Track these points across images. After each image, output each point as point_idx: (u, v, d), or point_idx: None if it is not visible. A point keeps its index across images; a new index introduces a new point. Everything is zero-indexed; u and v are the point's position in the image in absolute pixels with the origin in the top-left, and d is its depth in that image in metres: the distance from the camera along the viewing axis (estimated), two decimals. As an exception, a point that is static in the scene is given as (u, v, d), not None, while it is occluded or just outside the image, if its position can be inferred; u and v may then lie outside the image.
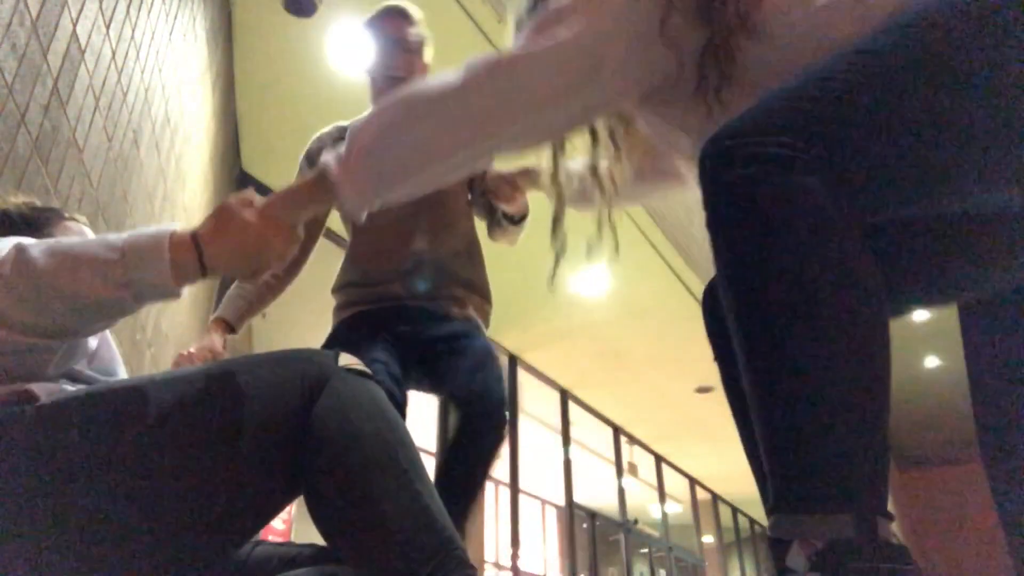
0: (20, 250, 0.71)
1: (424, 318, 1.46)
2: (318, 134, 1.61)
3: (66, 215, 1.01)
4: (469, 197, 1.62)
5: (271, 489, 0.76)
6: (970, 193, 0.63)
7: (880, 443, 0.56)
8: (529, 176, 1.44)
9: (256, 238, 0.76)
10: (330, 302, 1.62)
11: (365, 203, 0.80)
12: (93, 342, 0.89)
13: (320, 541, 0.82)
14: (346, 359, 0.82)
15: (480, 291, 1.56)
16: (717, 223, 0.61)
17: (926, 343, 10.88)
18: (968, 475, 13.32)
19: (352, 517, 0.73)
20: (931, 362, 11.47)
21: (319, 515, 0.75)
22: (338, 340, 1.48)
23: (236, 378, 0.74)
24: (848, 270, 0.58)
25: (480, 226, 1.66)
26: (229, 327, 1.47)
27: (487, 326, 1.57)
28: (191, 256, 0.73)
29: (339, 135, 1.58)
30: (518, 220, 1.56)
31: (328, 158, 0.80)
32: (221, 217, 0.76)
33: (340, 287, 1.58)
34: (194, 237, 0.74)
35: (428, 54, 1.55)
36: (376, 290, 1.51)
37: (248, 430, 0.72)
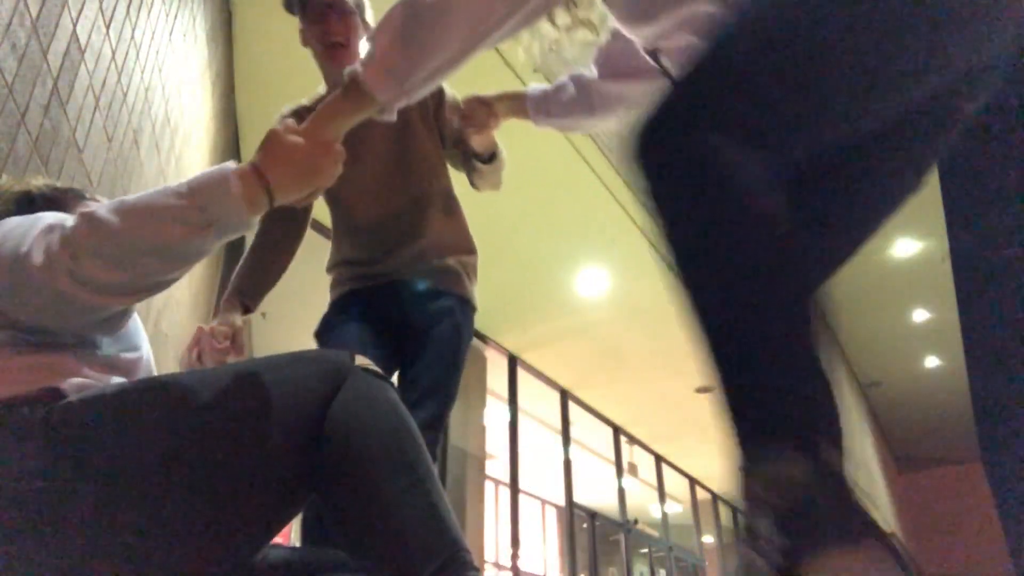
0: (88, 216, 0.71)
1: (409, 296, 1.44)
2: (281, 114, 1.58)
3: (87, 195, 1.01)
4: (441, 152, 1.58)
5: (290, 489, 0.76)
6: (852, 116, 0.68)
7: (806, 371, 0.57)
8: (509, 101, 1.40)
9: (308, 159, 0.80)
10: (326, 301, 1.62)
11: (400, 94, 0.83)
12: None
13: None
14: (361, 360, 0.83)
15: (463, 247, 1.54)
16: (656, 201, 0.66)
17: (926, 343, 10.88)
18: (968, 475, 13.32)
19: (363, 514, 0.74)
20: (931, 362, 11.47)
21: (330, 511, 0.76)
22: (329, 326, 1.48)
23: (261, 378, 0.75)
24: (746, 210, 0.61)
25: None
26: (244, 306, 1.43)
27: (474, 276, 1.54)
28: (258, 185, 0.76)
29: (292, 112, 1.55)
30: (488, 159, 1.51)
31: (353, 65, 0.83)
32: (272, 145, 0.79)
33: (331, 266, 1.59)
34: (254, 167, 0.77)
35: (369, 15, 1.50)
36: (363, 269, 1.50)
37: (272, 430, 0.73)
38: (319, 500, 0.77)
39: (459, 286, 1.48)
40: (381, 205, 1.50)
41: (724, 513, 9.99)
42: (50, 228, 0.73)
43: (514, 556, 5.26)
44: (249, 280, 1.46)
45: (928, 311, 9.95)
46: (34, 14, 1.12)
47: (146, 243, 0.72)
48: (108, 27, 1.47)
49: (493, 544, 6.95)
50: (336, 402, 0.77)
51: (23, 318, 0.75)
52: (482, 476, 5.24)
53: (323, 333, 1.47)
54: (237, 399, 0.74)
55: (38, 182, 0.97)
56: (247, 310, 1.43)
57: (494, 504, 7.01)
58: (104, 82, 1.48)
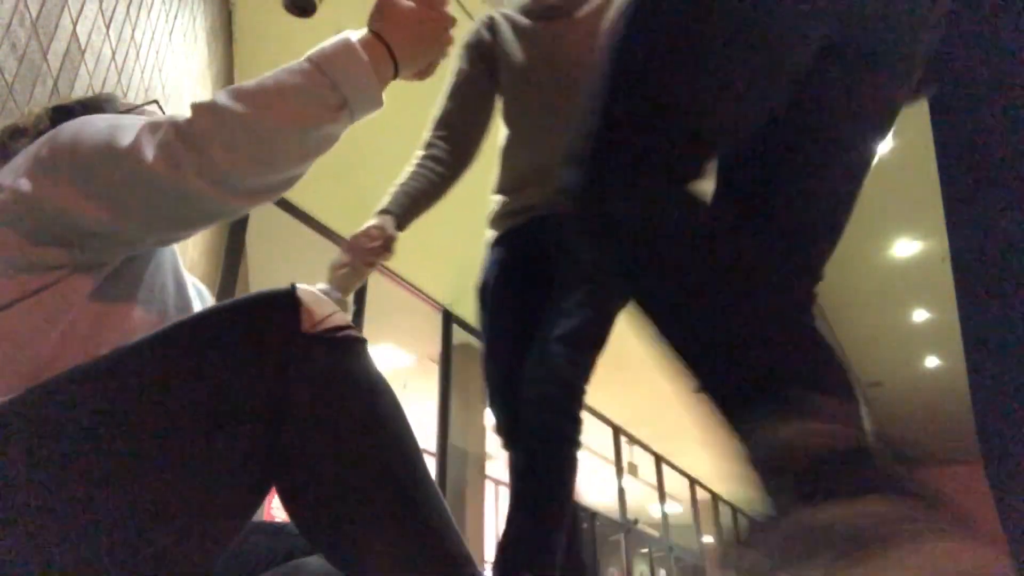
0: (208, 106, 0.64)
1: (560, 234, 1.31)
2: (474, 26, 1.49)
3: (120, 97, 0.96)
4: None
5: (244, 484, 0.61)
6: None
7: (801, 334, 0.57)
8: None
9: (423, 21, 0.75)
10: None
11: None
12: None
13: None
14: (327, 314, 0.63)
15: None
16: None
17: (926, 343, 10.88)
18: (968, 475, 13.33)
19: (341, 540, 0.61)
20: (931, 362, 11.48)
21: (301, 527, 0.64)
22: (492, 305, 1.37)
23: (198, 349, 0.60)
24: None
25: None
26: (396, 222, 1.34)
27: None
28: (383, 52, 0.71)
29: (492, 24, 1.45)
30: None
31: None
32: (387, 9, 0.74)
33: (496, 191, 1.46)
34: (375, 35, 0.72)
35: None
36: (522, 197, 1.37)
37: (212, 409, 0.58)
38: (288, 513, 0.64)
39: None
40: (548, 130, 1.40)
41: (724, 513, 9.99)
42: (155, 125, 0.64)
43: (514, 556, 5.25)
44: (397, 201, 1.36)
45: (928, 311, 9.95)
46: (34, 14, 1.12)
47: (282, 129, 0.64)
48: (108, 27, 1.47)
49: (493, 544, 6.95)
50: (292, 390, 0.60)
51: (120, 227, 0.64)
52: (482, 476, 5.24)
53: None
54: (165, 373, 0.59)
55: (75, 96, 0.92)
56: (398, 228, 1.35)
57: (494, 504, 7.01)
58: (104, 82, 1.48)
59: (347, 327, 0.64)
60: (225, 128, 0.63)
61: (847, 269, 9.35)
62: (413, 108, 3.34)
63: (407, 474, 0.62)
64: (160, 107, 0.96)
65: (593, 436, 7.06)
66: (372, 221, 1.31)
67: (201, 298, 0.96)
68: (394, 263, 4.36)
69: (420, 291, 4.71)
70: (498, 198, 1.43)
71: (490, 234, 1.44)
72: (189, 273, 0.98)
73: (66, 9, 1.24)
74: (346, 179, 3.66)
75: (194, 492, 0.57)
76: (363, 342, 0.66)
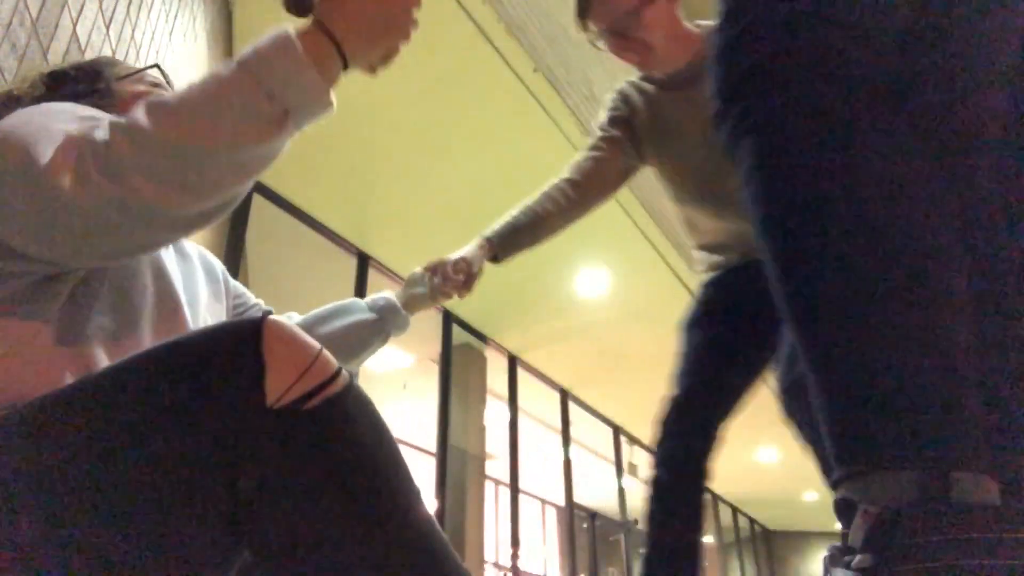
0: (125, 128, 0.56)
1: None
2: (607, 98, 1.55)
3: (118, 61, 0.91)
4: None
5: (208, 541, 0.56)
6: None
7: (953, 381, 0.46)
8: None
9: (382, 6, 0.63)
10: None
11: None
12: None
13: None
14: (300, 373, 0.55)
15: None
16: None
17: (926, 343, 10.87)
18: (968, 475, 13.33)
19: None
20: (931, 362, 11.46)
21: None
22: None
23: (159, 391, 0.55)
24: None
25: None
26: (494, 253, 1.34)
27: None
28: (328, 45, 0.61)
29: (623, 93, 1.51)
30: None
31: None
32: None
33: (697, 248, 1.55)
34: (318, 23, 0.62)
35: None
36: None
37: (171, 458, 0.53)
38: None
39: None
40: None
41: (724, 513, 9.99)
42: (74, 141, 0.57)
43: (514, 556, 5.26)
44: (515, 230, 1.36)
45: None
46: (34, 14, 1.12)
47: (213, 152, 0.56)
48: (108, 27, 1.47)
49: (493, 544, 6.95)
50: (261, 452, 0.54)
51: (46, 255, 0.59)
52: (482, 476, 5.24)
53: None
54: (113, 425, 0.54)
55: (68, 62, 0.88)
56: (495, 259, 1.35)
57: (494, 504, 7.02)
58: (104, 82, 1.48)
59: (323, 386, 0.55)
60: (145, 154, 0.55)
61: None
62: (415, 106, 3.34)
63: (391, 542, 0.55)
64: (161, 71, 0.93)
65: (593, 436, 7.06)
66: (469, 247, 1.30)
67: (211, 277, 0.93)
68: (394, 263, 4.36)
69: (420, 291, 4.71)
70: (702, 255, 1.53)
71: (703, 278, 1.53)
72: (197, 246, 0.96)
73: (66, 9, 1.24)
74: (347, 178, 3.66)
75: (153, 555, 0.53)
76: (343, 396, 0.57)
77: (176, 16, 2.03)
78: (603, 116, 1.53)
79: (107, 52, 1.48)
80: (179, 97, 0.57)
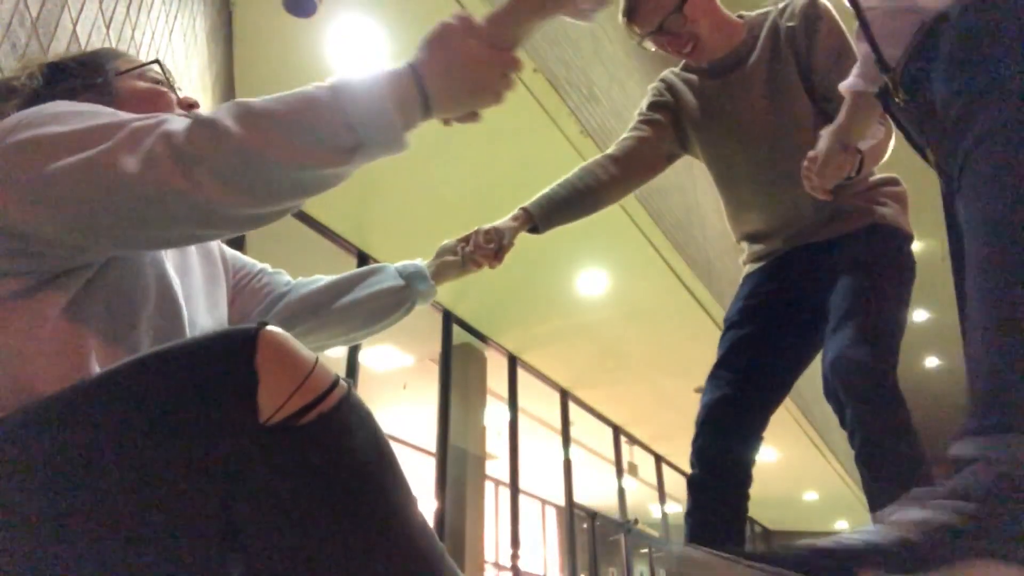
0: (209, 122, 0.57)
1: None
2: (649, 87, 1.58)
3: (119, 53, 0.90)
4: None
5: (201, 559, 0.55)
6: None
7: None
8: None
9: (479, 64, 0.63)
10: None
11: None
12: None
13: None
14: (295, 387, 0.54)
15: None
16: None
17: (926, 343, 10.87)
18: (968, 475, 13.30)
19: None
20: (931, 362, 11.46)
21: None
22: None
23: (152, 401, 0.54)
24: None
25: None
26: (533, 224, 1.34)
27: None
28: (415, 93, 0.61)
29: (666, 81, 1.54)
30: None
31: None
32: (444, 43, 0.63)
33: (740, 240, 1.56)
34: (413, 69, 0.62)
35: None
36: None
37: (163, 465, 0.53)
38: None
39: None
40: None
41: (724, 513, 9.98)
42: (141, 131, 0.58)
43: (514, 556, 5.26)
44: (553, 202, 1.37)
45: (928, 311, 9.95)
46: (34, 14, 1.12)
47: (284, 165, 0.57)
48: (108, 27, 1.47)
49: (493, 544, 6.95)
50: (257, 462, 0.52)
51: (87, 243, 0.60)
52: (482, 476, 5.24)
53: None
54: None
55: (69, 53, 0.87)
56: (534, 229, 1.35)
57: (494, 504, 7.01)
58: (104, 82, 1.48)
59: (318, 400, 0.54)
60: (220, 153, 0.56)
61: (847, 269, 9.34)
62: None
63: (389, 558, 0.54)
64: (162, 66, 0.92)
65: (593, 436, 7.05)
66: (503, 219, 1.28)
67: (208, 260, 0.91)
68: (394, 263, 4.35)
69: (420, 291, 4.71)
70: (745, 245, 1.53)
71: (746, 269, 1.53)
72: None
73: (66, 9, 1.24)
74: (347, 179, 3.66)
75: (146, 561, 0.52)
76: (339, 410, 0.55)
77: (176, 16, 2.03)
78: (645, 102, 1.55)
79: (107, 52, 1.48)
80: (268, 104, 0.59)
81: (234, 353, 0.54)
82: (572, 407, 6.42)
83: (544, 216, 1.35)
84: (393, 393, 6.15)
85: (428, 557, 0.56)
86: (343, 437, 0.55)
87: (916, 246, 1.41)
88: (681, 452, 9.45)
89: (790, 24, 1.38)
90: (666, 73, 1.56)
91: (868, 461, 1.21)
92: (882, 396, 1.20)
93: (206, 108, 2.74)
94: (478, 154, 3.48)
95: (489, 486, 6.02)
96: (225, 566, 0.56)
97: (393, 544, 0.54)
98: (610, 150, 1.48)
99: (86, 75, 0.83)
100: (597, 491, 7.40)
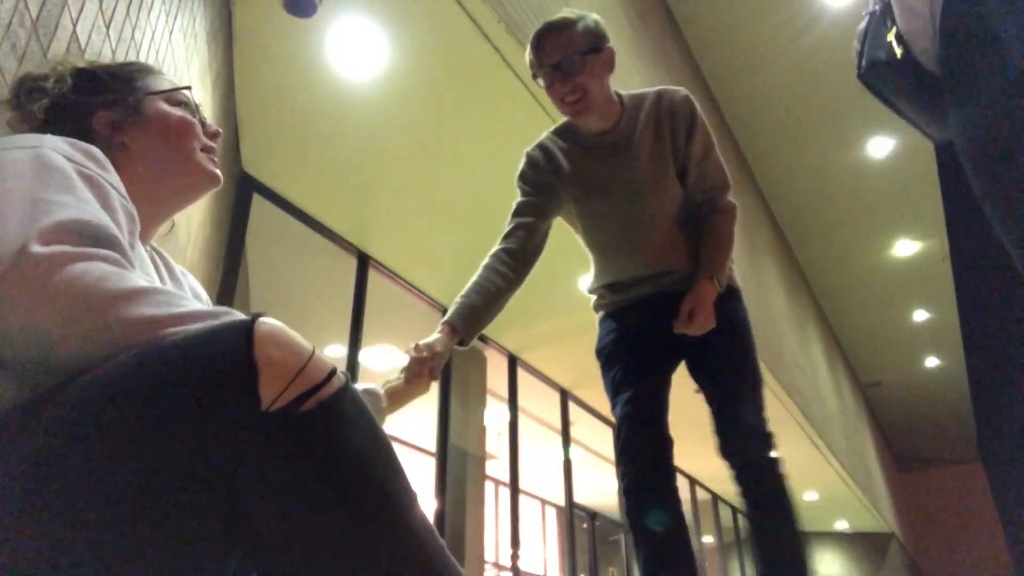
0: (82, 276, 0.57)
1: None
2: (528, 152, 1.71)
3: (154, 69, 0.91)
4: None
5: (203, 544, 0.56)
6: None
7: None
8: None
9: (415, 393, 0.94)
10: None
11: None
12: None
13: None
14: (293, 375, 0.56)
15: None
16: None
17: (926, 343, 10.87)
18: (968, 475, 13.32)
19: None
20: (931, 362, 11.46)
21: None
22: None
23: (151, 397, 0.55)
24: None
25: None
26: (458, 338, 1.40)
27: None
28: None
29: (546, 150, 1.68)
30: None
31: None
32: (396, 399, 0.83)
33: (598, 287, 1.79)
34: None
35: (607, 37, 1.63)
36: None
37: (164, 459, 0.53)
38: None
39: None
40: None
41: (724, 513, 9.99)
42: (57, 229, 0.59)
43: (514, 556, 5.26)
44: (474, 313, 1.45)
45: (928, 311, 9.95)
46: (34, 14, 1.12)
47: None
48: (108, 27, 1.47)
49: (493, 544, 6.95)
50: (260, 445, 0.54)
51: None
52: (482, 476, 5.24)
53: None
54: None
55: (101, 61, 0.87)
56: (461, 343, 1.42)
57: (494, 504, 7.01)
58: (104, 82, 1.48)
59: (317, 388, 0.56)
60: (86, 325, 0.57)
61: (847, 269, 9.34)
62: (415, 106, 3.34)
63: (389, 547, 0.55)
64: (188, 93, 0.94)
65: (593, 436, 7.06)
66: (435, 335, 1.35)
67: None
68: (394, 263, 4.36)
69: (420, 291, 4.71)
70: (607, 293, 1.77)
71: (601, 314, 1.81)
72: (187, 272, 0.97)
73: (66, 9, 1.24)
74: (347, 178, 3.66)
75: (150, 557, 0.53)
76: (339, 396, 0.58)
77: (176, 16, 2.03)
78: (527, 173, 1.67)
79: (107, 52, 1.48)
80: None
81: (234, 344, 0.55)
82: (572, 407, 6.42)
83: (467, 329, 1.42)
84: (393, 393, 6.14)
85: (428, 544, 0.57)
86: (342, 424, 0.57)
87: (916, 246, 1.43)
88: (681, 452, 9.45)
89: (670, 114, 1.57)
90: (544, 139, 1.70)
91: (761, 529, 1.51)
92: (779, 468, 1.51)
93: (207, 108, 2.74)
94: (478, 154, 3.48)
95: (489, 486, 6.02)
96: (226, 556, 0.57)
97: (392, 526, 0.56)
98: (505, 244, 1.58)
99: (117, 90, 0.84)
100: (597, 491, 7.41)
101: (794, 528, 1.47)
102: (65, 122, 0.80)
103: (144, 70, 0.89)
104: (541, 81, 1.53)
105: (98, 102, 0.82)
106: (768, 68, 6.22)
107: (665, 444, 1.61)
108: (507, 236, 1.60)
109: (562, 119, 1.68)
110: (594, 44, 1.49)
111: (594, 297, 1.75)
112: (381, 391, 1.17)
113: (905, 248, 8.49)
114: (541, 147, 1.69)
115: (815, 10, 5.59)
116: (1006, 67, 0.69)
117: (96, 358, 0.57)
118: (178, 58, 2.10)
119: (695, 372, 1.65)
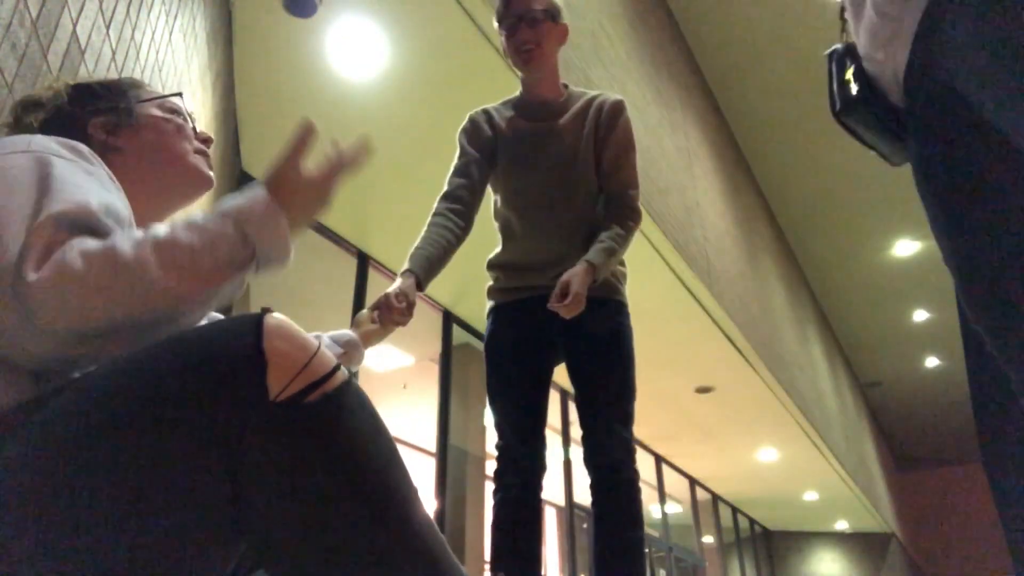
0: (112, 250, 0.61)
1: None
2: (471, 114, 1.83)
3: (142, 84, 0.95)
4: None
5: (208, 533, 0.57)
6: None
7: None
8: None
9: (315, 189, 0.80)
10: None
11: None
12: None
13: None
14: (300, 367, 0.58)
15: None
16: None
17: (926, 343, 10.88)
18: (968, 475, 13.33)
19: None
20: (931, 362, 11.47)
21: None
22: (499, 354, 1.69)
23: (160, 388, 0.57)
24: None
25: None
26: (418, 281, 1.49)
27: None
28: (283, 218, 0.72)
29: (488, 114, 1.80)
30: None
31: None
32: (284, 179, 0.77)
33: (495, 266, 1.76)
34: (270, 197, 0.73)
35: (565, 15, 1.76)
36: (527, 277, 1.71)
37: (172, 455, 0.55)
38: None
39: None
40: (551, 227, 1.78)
41: (724, 513, 9.99)
42: (57, 228, 0.61)
43: (514, 556, 5.26)
44: (430, 262, 1.54)
45: (928, 311, 9.96)
46: (34, 14, 1.12)
47: (186, 298, 0.63)
48: (108, 27, 1.47)
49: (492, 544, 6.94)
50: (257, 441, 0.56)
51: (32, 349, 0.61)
52: (482, 476, 5.24)
53: None
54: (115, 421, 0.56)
55: (94, 77, 0.91)
56: (419, 287, 1.50)
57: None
58: (104, 82, 1.48)
59: (322, 381, 0.58)
60: (128, 288, 0.60)
61: (847, 269, 9.35)
62: (415, 106, 3.34)
63: (389, 536, 0.57)
64: (181, 99, 0.97)
65: (593, 436, 7.05)
66: (398, 282, 1.44)
67: None
68: (394, 263, 4.36)
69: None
70: (498, 274, 1.73)
71: (491, 304, 1.75)
72: None
73: (66, 9, 1.24)
74: (347, 179, 3.65)
75: (154, 551, 0.54)
76: (343, 389, 0.60)
77: (176, 16, 2.03)
78: (470, 132, 1.78)
79: (107, 52, 1.48)
80: (180, 246, 0.63)
81: (244, 337, 0.57)
82: (572, 407, 6.42)
83: (427, 278, 1.52)
84: (393, 393, 6.15)
85: (427, 535, 0.58)
86: (346, 416, 0.59)
87: (916, 246, 1.43)
88: (681, 452, 9.49)
89: (599, 110, 1.70)
90: (488, 106, 1.82)
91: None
92: (637, 483, 1.70)
93: (207, 108, 2.74)
94: (478, 154, 3.48)
95: (489, 486, 6.02)
96: (230, 546, 0.59)
97: (392, 517, 0.57)
98: (451, 204, 1.66)
99: (110, 99, 0.88)
100: (597, 491, 7.40)
101: (640, 546, 1.58)
102: (61, 129, 0.83)
103: (134, 83, 0.94)
104: (503, 31, 1.68)
105: (92, 110, 0.86)
106: (768, 68, 6.23)
107: (537, 476, 1.71)
108: (452, 196, 1.68)
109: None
110: (554, 14, 1.69)
111: (490, 281, 1.75)
112: (356, 337, 1.25)
113: (905, 248, 8.50)
114: (485, 111, 1.81)
115: (815, 10, 5.59)
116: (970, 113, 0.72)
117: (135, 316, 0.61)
118: (178, 58, 2.10)
119: (573, 376, 1.68)
